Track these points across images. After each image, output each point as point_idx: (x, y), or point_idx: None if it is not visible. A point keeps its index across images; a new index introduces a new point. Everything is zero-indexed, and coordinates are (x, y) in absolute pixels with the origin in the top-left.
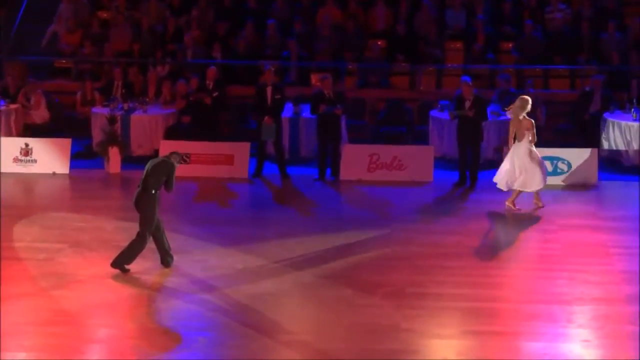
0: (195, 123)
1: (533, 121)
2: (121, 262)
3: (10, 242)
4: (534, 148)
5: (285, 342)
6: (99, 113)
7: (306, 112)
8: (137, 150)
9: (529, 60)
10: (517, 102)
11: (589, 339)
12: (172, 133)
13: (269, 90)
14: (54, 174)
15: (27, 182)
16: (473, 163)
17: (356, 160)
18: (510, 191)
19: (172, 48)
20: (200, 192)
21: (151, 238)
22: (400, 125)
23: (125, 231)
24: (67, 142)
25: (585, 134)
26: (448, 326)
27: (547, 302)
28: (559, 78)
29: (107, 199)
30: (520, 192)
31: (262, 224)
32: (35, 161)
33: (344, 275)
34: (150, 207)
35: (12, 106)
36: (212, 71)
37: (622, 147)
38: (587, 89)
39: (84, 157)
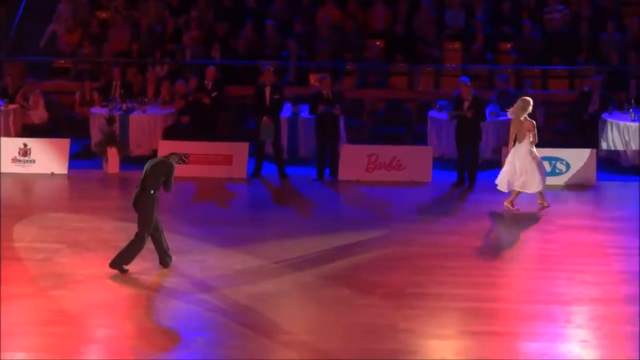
0: (194, 123)
1: (534, 122)
2: (120, 262)
3: (9, 242)
4: (534, 149)
5: (284, 342)
6: (98, 113)
7: (305, 112)
8: (135, 151)
9: (528, 60)
10: (519, 103)
11: (587, 339)
12: (170, 133)
13: (267, 90)
14: (52, 174)
15: (25, 182)
16: (472, 163)
17: (355, 161)
18: (509, 191)
19: (171, 48)
20: (198, 192)
21: (150, 238)
22: (399, 126)
23: (123, 231)
24: (65, 142)
25: (584, 134)
26: (447, 326)
27: (546, 303)
28: (557, 78)
29: (105, 199)
30: (519, 192)
31: (261, 224)
32: (34, 161)
33: (343, 275)
34: (149, 208)
35: (11, 106)
36: (211, 71)
37: (620, 147)
38: (586, 89)
39: (82, 157)
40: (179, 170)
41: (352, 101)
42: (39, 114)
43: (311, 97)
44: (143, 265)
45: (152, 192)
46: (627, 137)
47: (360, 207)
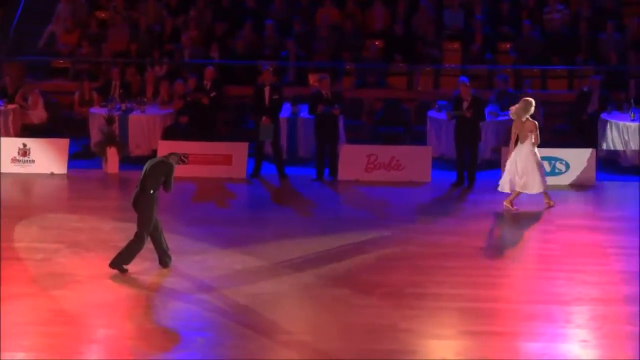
0: (193, 123)
1: (536, 123)
2: (119, 262)
3: (8, 242)
4: (536, 150)
5: (284, 342)
6: (97, 113)
7: (304, 112)
8: (135, 151)
9: (527, 60)
10: (521, 104)
11: (587, 339)
12: (169, 133)
13: (266, 90)
14: (51, 174)
15: (25, 182)
16: (471, 163)
17: (354, 161)
18: (510, 191)
19: (170, 48)
20: (198, 193)
21: (149, 238)
22: (398, 126)
23: (123, 231)
24: (64, 142)
25: (583, 134)
26: (446, 326)
27: (545, 303)
28: (556, 78)
29: (104, 199)
30: (519, 193)
31: (260, 224)
32: (33, 161)
33: (343, 275)
34: (148, 208)
35: (10, 106)
36: (209, 71)
37: (619, 147)
38: (585, 89)
39: (81, 157)
40: (178, 170)
41: (351, 101)
42: (38, 114)
43: (310, 97)
44: (142, 266)
45: (151, 192)
46: (626, 137)
47: (360, 207)
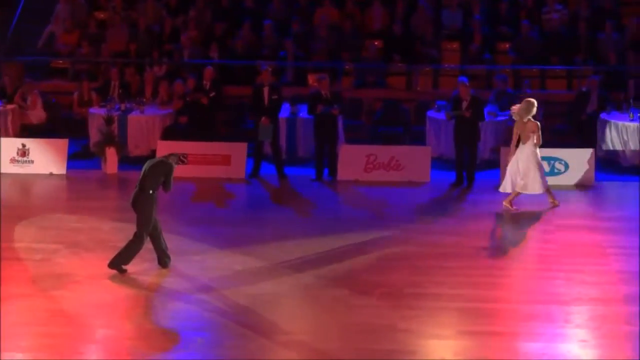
0: (192, 123)
1: (539, 124)
2: (118, 262)
3: (8, 242)
4: (537, 151)
5: (283, 342)
6: (96, 113)
7: (303, 113)
8: (134, 151)
9: (526, 60)
10: (523, 105)
11: (586, 339)
12: (169, 133)
13: (266, 90)
14: (51, 174)
15: (24, 182)
16: (470, 163)
17: (353, 161)
18: (510, 191)
19: (169, 48)
20: (197, 193)
21: (148, 238)
22: (397, 126)
23: (122, 232)
24: (64, 143)
25: (582, 134)
26: (446, 326)
27: (545, 303)
28: (555, 78)
29: (104, 199)
30: (519, 193)
31: (260, 224)
32: (32, 162)
33: (342, 275)
34: (147, 208)
35: (9, 106)
36: (209, 71)
37: (619, 147)
38: (584, 89)
39: (81, 157)
40: (177, 170)
41: (351, 101)
42: (37, 114)
43: (310, 97)
44: (142, 266)
45: (151, 192)
46: (625, 137)
47: (359, 207)
